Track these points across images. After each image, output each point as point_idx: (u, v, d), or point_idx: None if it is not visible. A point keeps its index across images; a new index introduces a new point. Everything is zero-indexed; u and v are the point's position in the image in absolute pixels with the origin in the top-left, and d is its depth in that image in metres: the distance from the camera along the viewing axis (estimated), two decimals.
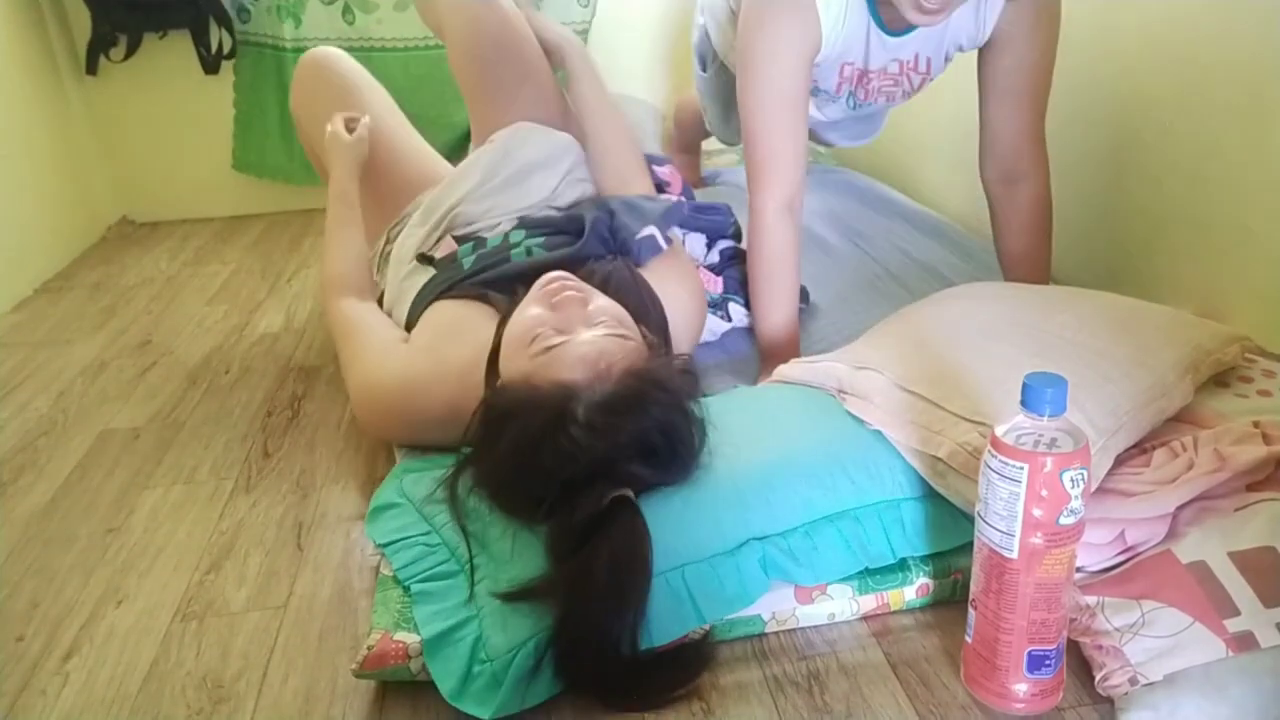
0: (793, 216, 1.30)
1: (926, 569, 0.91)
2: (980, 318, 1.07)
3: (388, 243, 1.43)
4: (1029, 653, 0.75)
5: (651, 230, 1.23)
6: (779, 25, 1.23)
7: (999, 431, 0.72)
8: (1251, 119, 1.22)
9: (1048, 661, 0.75)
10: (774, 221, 1.28)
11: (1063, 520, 0.71)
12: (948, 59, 1.38)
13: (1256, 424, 0.93)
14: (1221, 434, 0.92)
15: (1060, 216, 1.41)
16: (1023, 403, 0.72)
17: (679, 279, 1.24)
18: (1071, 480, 0.70)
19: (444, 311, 1.16)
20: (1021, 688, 0.76)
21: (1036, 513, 0.71)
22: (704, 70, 1.84)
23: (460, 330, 1.11)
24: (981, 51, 1.34)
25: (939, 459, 0.89)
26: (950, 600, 0.91)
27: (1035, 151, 1.36)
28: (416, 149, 1.54)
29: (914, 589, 0.90)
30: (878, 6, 1.25)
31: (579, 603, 0.79)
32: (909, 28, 1.28)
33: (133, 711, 0.84)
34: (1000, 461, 0.71)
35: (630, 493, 0.85)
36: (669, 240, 1.25)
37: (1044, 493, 0.70)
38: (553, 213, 1.34)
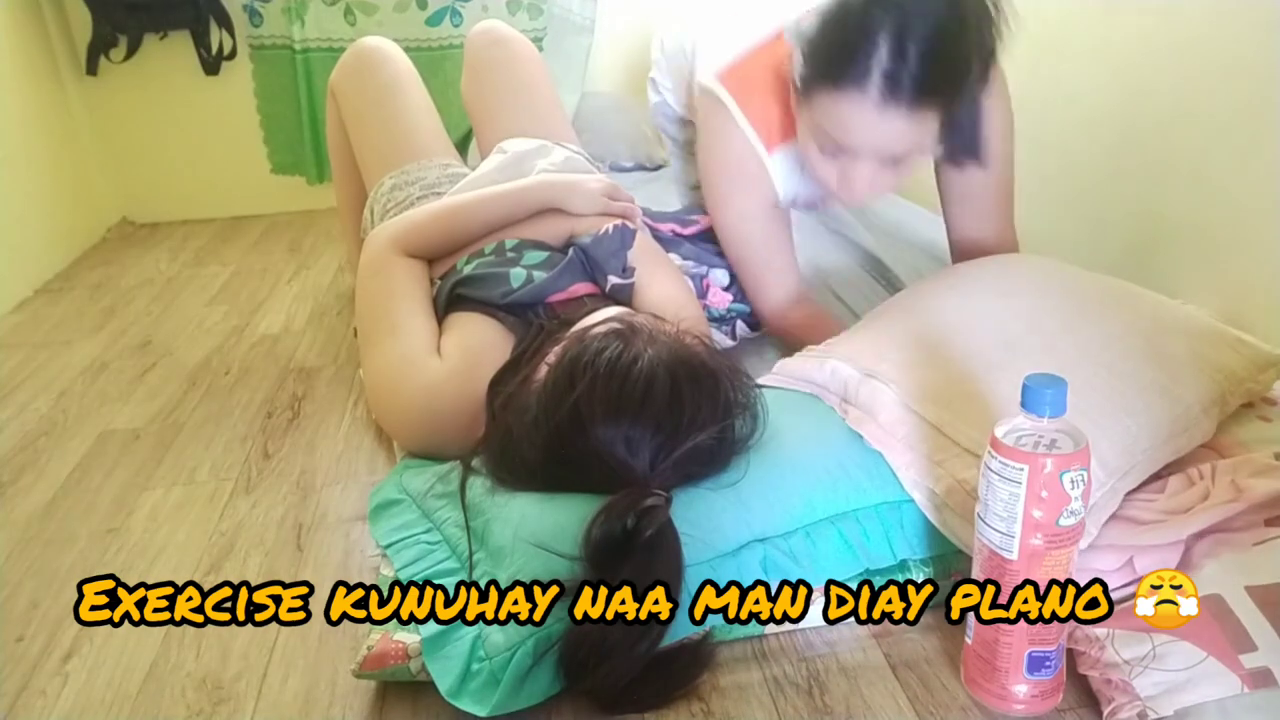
0: (804, 302, 1.32)
1: (926, 570, 0.91)
2: (1000, 319, 1.03)
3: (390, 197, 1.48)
4: (1029, 654, 0.75)
5: (621, 258, 1.24)
6: (737, 189, 1.30)
7: (999, 433, 0.72)
8: (1251, 118, 1.22)
9: (1048, 663, 0.75)
10: (785, 315, 1.32)
11: (1063, 521, 0.71)
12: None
13: (1278, 455, 0.91)
14: (1240, 465, 0.90)
15: (1061, 218, 1.40)
16: (1022, 404, 0.72)
17: (657, 265, 1.28)
18: (1072, 481, 0.70)
19: (474, 333, 1.16)
20: (1021, 689, 0.76)
21: (1036, 514, 0.70)
22: (677, 143, 1.68)
23: (484, 355, 1.11)
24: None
25: (936, 493, 0.89)
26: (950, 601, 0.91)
27: (1003, 241, 1.32)
28: (439, 135, 1.59)
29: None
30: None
31: (609, 623, 0.77)
32: None
33: (132, 712, 0.84)
34: (1000, 463, 0.71)
35: (670, 498, 0.85)
36: (630, 270, 1.24)
37: (1044, 494, 0.70)
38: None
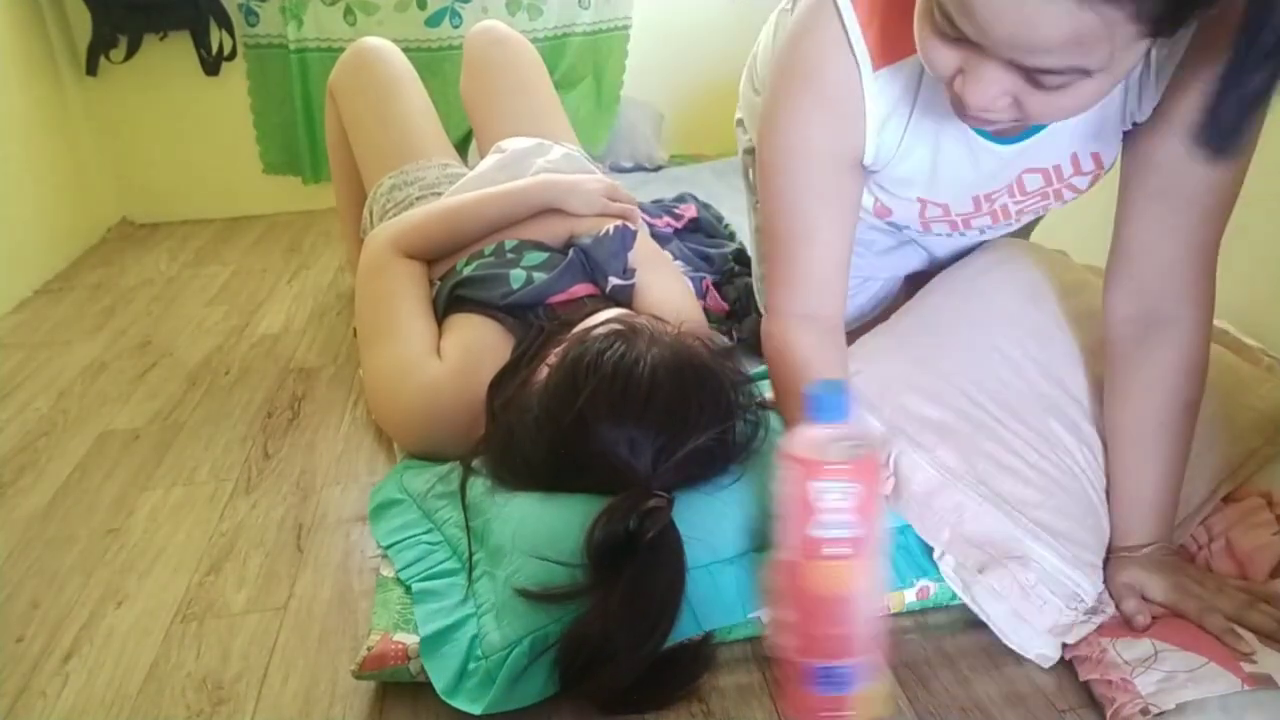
0: (819, 329, 0.96)
1: (930, 575, 0.91)
2: (997, 366, 0.99)
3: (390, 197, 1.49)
4: (813, 666, 0.72)
5: (621, 259, 1.24)
6: (809, 107, 0.89)
7: (785, 441, 0.70)
8: None
9: (835, 678, 0.72)
10: (785, 332, 0.96)
11: (821, 532, 0.67)
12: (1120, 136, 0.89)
13: (1269, 501, 0.91)
14: (1234, 518, 0.90)
15: (1052, 223, 1.29)
16: (809, 412, 0.69)
17: (657, 266, 1.27)
18: (830, 492, 0.66)
19: (474, 334, 1.16)
20: (812, 699, 0.73)
21: (799, 519, 0.68)
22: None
23: (484, 356, 1.11)
24: (1134, 128, 0.86)
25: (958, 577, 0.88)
26: (951, 603, 0.91)
27: (1195, 288, 0.86)
28: (438, 135, 1.60)
29: (914, 591, 0.90)
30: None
31: (606, 628, 0.77)
32: (1030, 130, 0.87)
33: (133, 712, 0.84)
34: (779, 467, 0.69)
35: (672, 500, 0.85)
36: (631, 271, 1.24)
37: (804, 500, 0.67)
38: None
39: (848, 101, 0.86)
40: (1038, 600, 0.83)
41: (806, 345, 0.94)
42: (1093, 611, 0.83)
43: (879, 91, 0.85)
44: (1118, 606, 0.84)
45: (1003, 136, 0.87)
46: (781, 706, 0.79)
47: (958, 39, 0.68)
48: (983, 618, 0.85)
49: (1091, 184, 0.97)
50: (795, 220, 0.94)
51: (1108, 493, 0.91)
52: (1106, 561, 0.88)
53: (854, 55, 0.84)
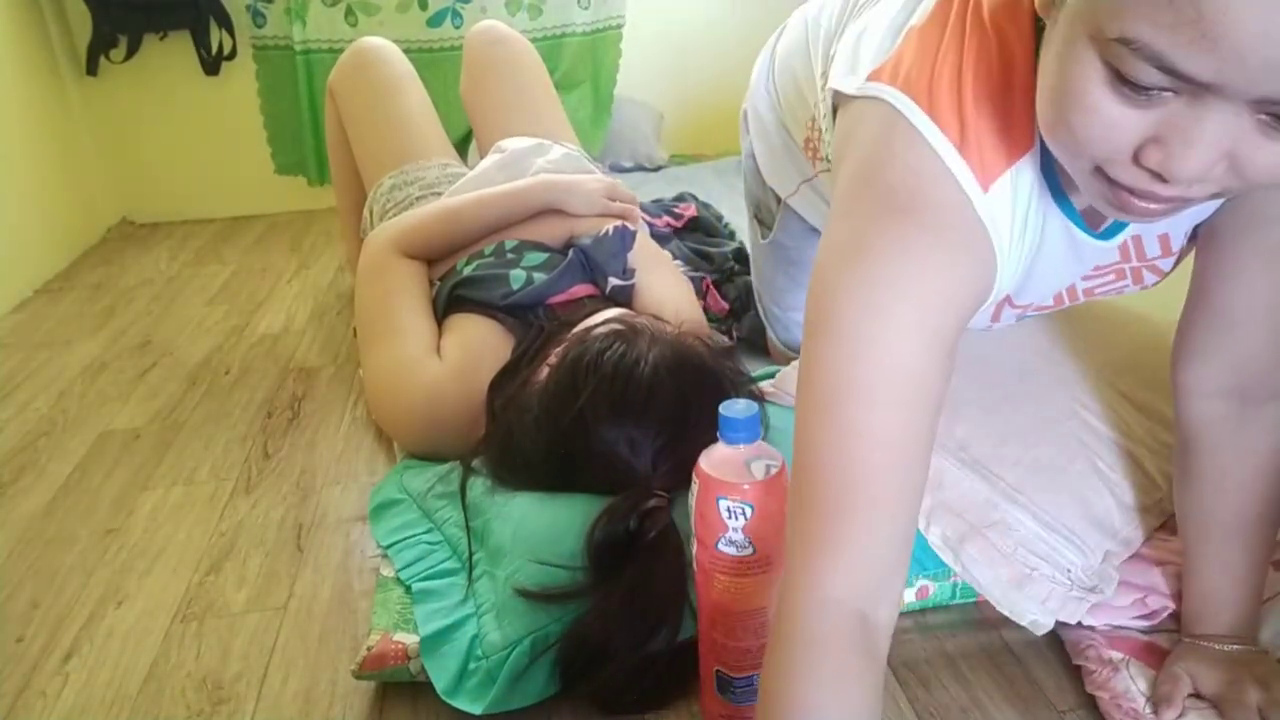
0: (867, 631, 0.59)
1: (927, 572, 0.91)
2: (1011, 355, 0.99)
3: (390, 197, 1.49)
4: (715, 671, 0.73)
5: (621, 260, 1.24)
6: (915, 274, 0.61)
7: (704, 455, 0.71)
8: None
9: (733, 689, 0.73)
10: (815, 622, 0.59)
11: (722, 547, 0.68)
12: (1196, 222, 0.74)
13: None
14: None
15: None
16: (719, 433, 0.70)
17: (657, 266, 1.28)
18: (729, 510, 0.67)
19: (474, 334, 1.16)
20: (714, 706, 0.75)
21: (705, 532, 0.69)
22: (764, 235, 1.23)
23: (484, 356, 1.11)
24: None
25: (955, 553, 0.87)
26: (950, 603, 0.91)
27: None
28: (438, 135, 1.60)
29: (914, 591, 0.90)
30: (1069, 195, 0.68)
31: (606, 628, 0.78)
32: (1120, 223, 0.72)
33: (132, 712, 0.84)
34: (693, 479, 0.70)
35: (672, 500, 0.85)
36: (631, 271, 1.24)
37: (707, 515, 0.68)
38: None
39: (967, 239, 0.63)
40: (1023, 567, 0.83)
41: (827, 662, 0.59)
42: (1090, 590, 0.83)
43: (996, 213, 0.64)
44: (1158, 688, 0.77)
45: (1101, 230, 0.71)
46: (699, 708, 0.79)
47: (1164, 92, 0.49)
48: (974, 586, 0.86)
49: (1177, 263, 0.80)
50: (873, 436, 0.60)
51: (1182, 575, 0.82)
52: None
53: (956, 181, 0.62)
